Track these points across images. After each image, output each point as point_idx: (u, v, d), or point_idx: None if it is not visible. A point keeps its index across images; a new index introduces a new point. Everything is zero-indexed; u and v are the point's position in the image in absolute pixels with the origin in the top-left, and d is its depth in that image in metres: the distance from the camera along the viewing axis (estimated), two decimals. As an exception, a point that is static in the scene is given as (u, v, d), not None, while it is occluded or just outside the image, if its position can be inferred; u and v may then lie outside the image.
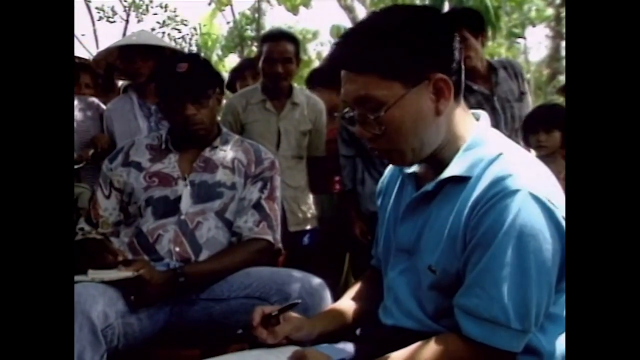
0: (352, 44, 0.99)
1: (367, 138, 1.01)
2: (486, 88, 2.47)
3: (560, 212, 0.90)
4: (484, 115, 1.07)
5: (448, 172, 0.98)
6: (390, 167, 1.22)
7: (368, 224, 2.43)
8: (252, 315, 1.12)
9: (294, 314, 1.16)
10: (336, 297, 1.55)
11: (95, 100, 2.71)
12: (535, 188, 0.90)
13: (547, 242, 0.88)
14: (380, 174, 2.49)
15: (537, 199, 0.89)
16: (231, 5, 11.47)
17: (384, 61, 0.94)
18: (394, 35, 0.94)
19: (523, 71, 2.63)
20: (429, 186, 1.01)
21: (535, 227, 0.88)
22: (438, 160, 1.01)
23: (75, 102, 2.60)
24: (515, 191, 0.89)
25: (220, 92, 1.77)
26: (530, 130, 2.40)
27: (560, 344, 0.94)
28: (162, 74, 1.72)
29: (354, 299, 1.22)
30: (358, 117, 0.99)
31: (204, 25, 12.10)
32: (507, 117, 2.45)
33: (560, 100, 3.04)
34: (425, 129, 0.97)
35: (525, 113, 2.49)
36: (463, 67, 1.01)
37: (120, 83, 3.04)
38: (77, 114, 2.58)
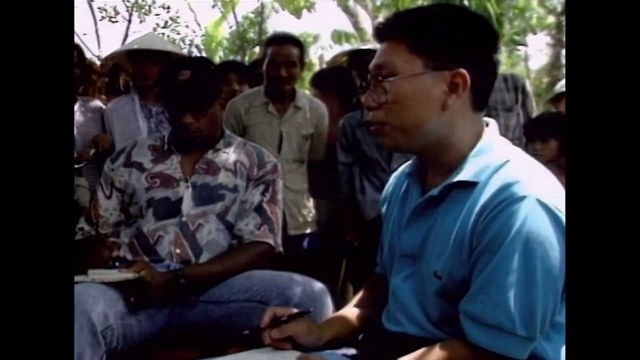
0: (406, 15, 1.04)
1: (370, 107, 1.02)
2: None
3: None
4: (492, 122, 1.07)
5: (455, 178, 0.98)
6: (395, 174, 1.22)
7: (368, 230, 2.43)
8: (263, 316, 1.11)
9: (302, 319, 1.15)
10: (334, 301, 1.55)
11: (98, 103, 2.72)
12: (542, 195, 0.89)
13: (554, 249, 0.88)
14: (380, 180, 2.50)
15: (544, 205, 0.89)
16: (234, 9, 11.47)
17: (417, 34, 0.97)
18: (437, 18, 0.98)
19: (526, 85, 2.65)
20: (434, 191, 1.01)
21: (542, 234, 0.88)
22: (444, 165, 1.01)
23: (79, 104, 2.61)
24: (523, 197, 0.89)
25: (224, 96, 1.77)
26: (528, 139, 2.42)
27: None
28: (164, 79, 1.71)
29: (360, 306, 1.22)
30: (371, 81, 1.01)
31: (205, 27, 12.12)
32: None
33: (552, 110, 3.06)
34: (426, 116, 0.98)
35: (513, 123, 2.53)
36: (492, 85, 1.02)
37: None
38: (80, 116, 2.59)
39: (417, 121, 0.98)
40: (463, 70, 0.96)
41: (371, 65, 1.03)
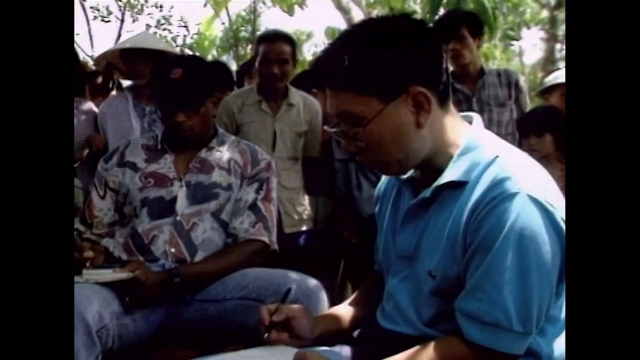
0: (328, 61, 0.99)
1: (353, 151, 1.01)
2: (469, 89, 2.55)
3: (559, 214, 0.89)
4: (476, 117, 1.07)
5: (445, 178, 0.98)
6: None
7: (365, 227, 2.43)
8: (261, 316, 1.10)
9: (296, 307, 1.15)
10: (332, 298, 1.55)
11: (91, 105, 2.71)
12: (533, 190, 0.89)
13: (547, 244, 0.88)
14: (377, 176, 2.48)
15: (535, 201, 0.89)
16: (226, 7, 11.46)
17: (358, 77, 0.94)
18: (367, 51, 0.94)
19: (520, 81, 2.65)
20: (426, 192, 1.00)
21: (535, 229, 0.88)
22: (432, 166, 1.01)
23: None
24: (514, 194, 0.89)
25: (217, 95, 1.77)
26: (522, 134, 2.41)
27: (559, 346, 0.94)
28: (156, 78, 1.70)
29: (356, 304, 1.22)
30: (341, 131, 1.00)
31: (197, 25, 12.11)
32: (482, 120, 2.48)
33: (540, 103, 3.04)
34: (408, 141, 0.97)
35: (506, 119, 2.54)
36: (448, 76, 0.99)
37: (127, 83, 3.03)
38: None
39: (401, 150, 0.98)
40: (420, 88, 0.94)
41: (331, 111, 1.00)
